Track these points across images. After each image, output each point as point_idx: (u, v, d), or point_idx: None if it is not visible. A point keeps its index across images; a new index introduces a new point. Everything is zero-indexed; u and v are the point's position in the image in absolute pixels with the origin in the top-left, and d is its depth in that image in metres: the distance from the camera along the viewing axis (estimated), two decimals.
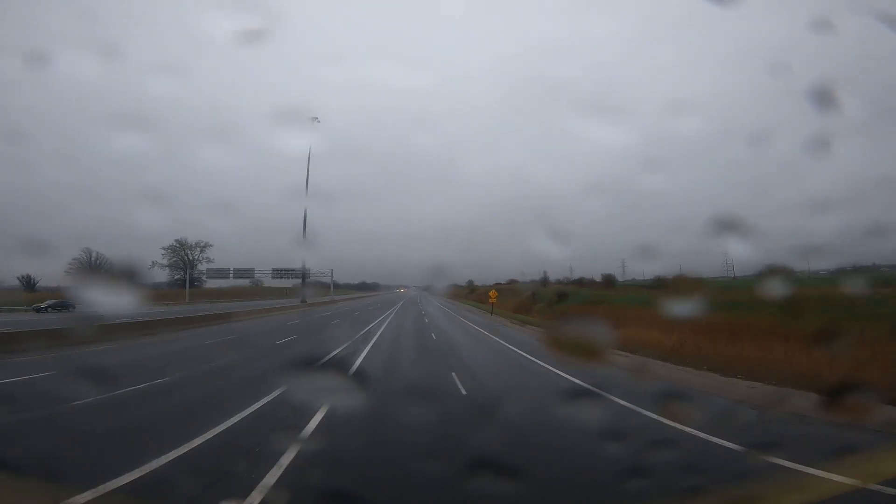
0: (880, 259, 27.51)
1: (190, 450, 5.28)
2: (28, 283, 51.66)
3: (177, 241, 63.89)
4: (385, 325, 25.09)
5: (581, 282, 44.27)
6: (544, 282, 45.67)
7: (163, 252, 63.63)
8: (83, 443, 5.64)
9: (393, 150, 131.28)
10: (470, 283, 69.10)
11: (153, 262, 61.22)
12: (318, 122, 40.90)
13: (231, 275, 57.47)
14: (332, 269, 57.50)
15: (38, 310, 33.60)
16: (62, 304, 34.13)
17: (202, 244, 64.14)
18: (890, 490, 3.74)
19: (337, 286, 67.54)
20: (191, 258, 65.23)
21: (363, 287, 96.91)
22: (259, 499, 4.02)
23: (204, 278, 64.74)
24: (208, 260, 64.68)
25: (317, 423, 6.37)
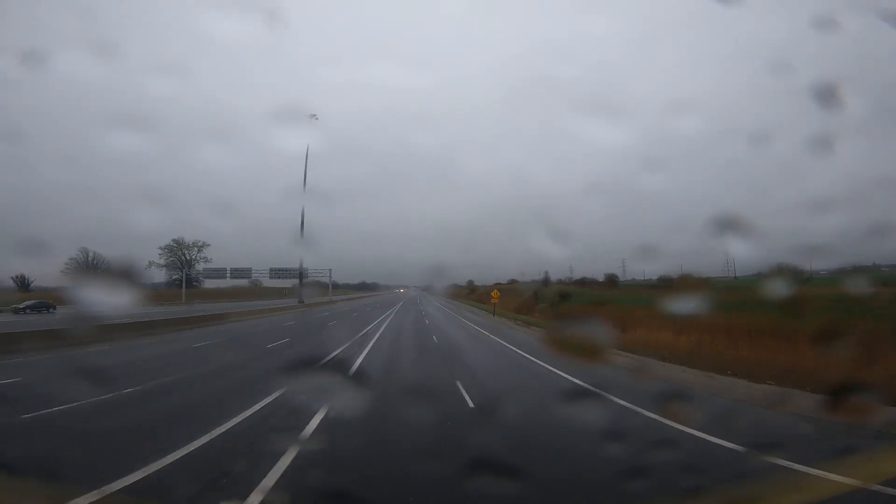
0: (881, 259, 27.55)
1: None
2: (22, 283, 51.34)
3: (174, 240, 63.78)
4: (384, 327, 24.47)
5: (583, 282, 43.83)
6: (546, 282, 45.31)
7: (160, 252, 63.54)
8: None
9: (393, 150, 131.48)
10: (470, 283, 69.13)
11: (150, 262, 61.11)
12: (317, 119, 40.72)
13: (228, 275, 57.06)
14: (330, 269, 57.37)
15: (17, 311, 32.55)
16: (41, 304, 33.79)
17: (199, 244, 64.06)
18: (890, 490, 3.74)
19: (336, 286, 67.49)
20: (188, 258, 65.13)
21: (363, 287, 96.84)
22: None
23: (202, 278, 64.66)
24: (206, 260, 64.55)
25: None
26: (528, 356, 14.43)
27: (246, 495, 4.04)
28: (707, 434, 5.88)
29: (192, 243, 64.01)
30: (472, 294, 64.01)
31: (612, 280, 43.98)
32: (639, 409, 7.26)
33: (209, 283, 64.40)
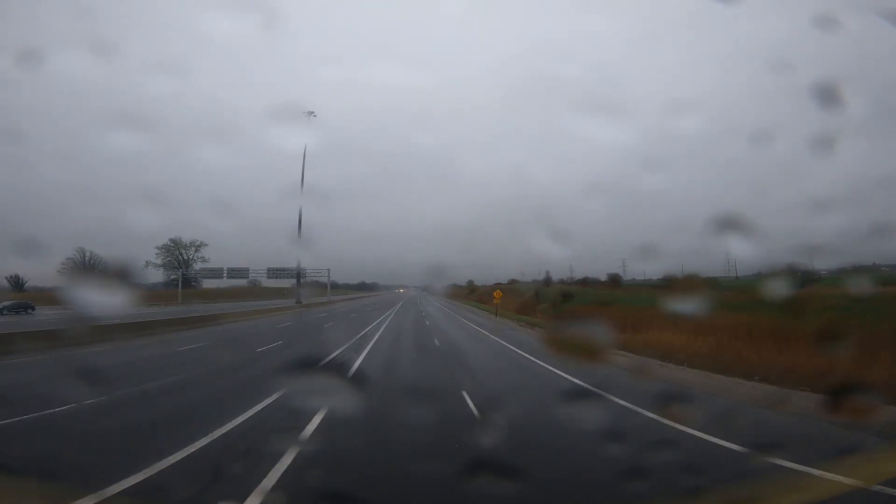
0: (881, 259, 27.57)
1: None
2: (16, 283, 51.22)
3: (171, 240, 63.72)
4: (383, 328, 23.94)
5: (586, 282, 42.94)
6: (547, 282, 44.86)
7: (156, 251, 63.45)
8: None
9: (393, 150, 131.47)
10: (470, 283, 69.02)
11: (147, 261, 61.04)
12: (315, 116, 40.37)
13: (225, 274, 56.91)
14: (328, 269, 57.22)
15: None
16: (19, 305, 33.55)
17: (196, 243, 63.96)
18: (890, 490, 3.73)
19: (336, 286, 67.49)
20: (185, 258, 65.03)
21: (362, 287, 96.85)
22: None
23: (199, 278, 64.55)
24: (203, 259, 64.49)
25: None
26: (548, 366, 12.36)
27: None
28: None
29: (190, 243, 64.02)
30: (472, 294, 63.91)
31: (615, 280, 42.95)
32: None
33: (208, 284, 64.46)
